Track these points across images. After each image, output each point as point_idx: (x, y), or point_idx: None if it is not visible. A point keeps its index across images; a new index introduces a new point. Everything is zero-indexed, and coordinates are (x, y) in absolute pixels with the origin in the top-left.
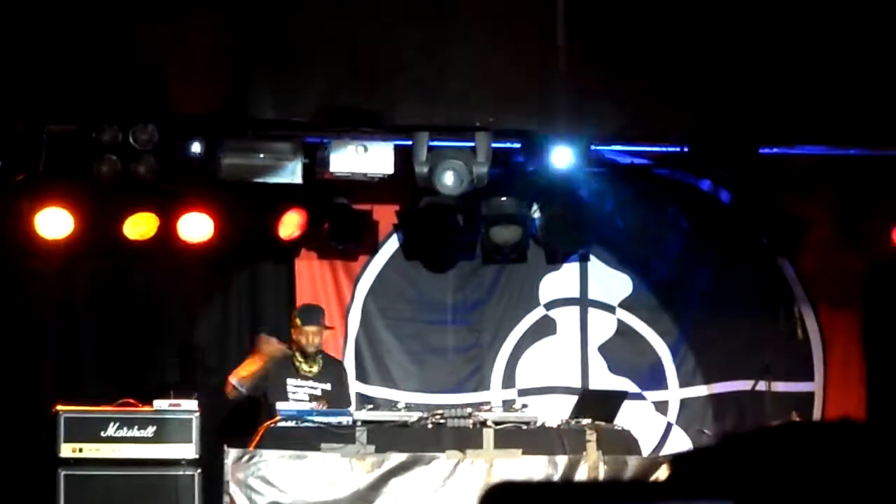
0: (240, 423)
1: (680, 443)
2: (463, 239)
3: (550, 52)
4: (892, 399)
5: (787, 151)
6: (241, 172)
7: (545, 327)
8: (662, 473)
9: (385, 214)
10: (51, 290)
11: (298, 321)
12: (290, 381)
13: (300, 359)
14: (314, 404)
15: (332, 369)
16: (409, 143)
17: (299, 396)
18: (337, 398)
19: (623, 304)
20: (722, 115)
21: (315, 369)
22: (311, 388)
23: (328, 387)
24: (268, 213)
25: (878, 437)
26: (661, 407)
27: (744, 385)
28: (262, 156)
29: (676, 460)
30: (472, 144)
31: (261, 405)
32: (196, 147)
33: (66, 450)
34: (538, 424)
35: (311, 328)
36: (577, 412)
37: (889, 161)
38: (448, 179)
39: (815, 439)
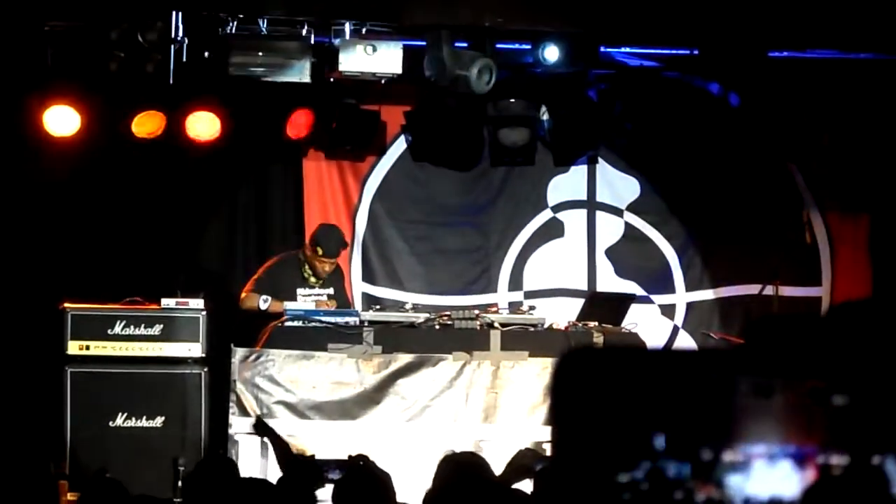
0: (247, 322)
1: (686, 346)
2: (471, 141)
3: None
4: None
5: (798, 55)
6: (249, 71)
7: (552, 230)
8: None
9: (393, 115)
10: (58, 188)
11: (319, 249)
12: (299, 290)
13: (308, 272)
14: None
15: (334, 274)
16: (419, 43)
17: (307, 305)
18: (338, 301)
19: (631, 208)
20: (732, 17)
21: (321, 280)
22: (318, 294)
23: (331, 291)
24: (276, 113)
25: None
26: (668, 310)
27: (751, 289)
28: (270, 54)
29: (750, 329)
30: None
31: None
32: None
33: (73, 347)
34: (545, 327)
35: (328, 259)
36: (585, 315)
37: None
38: (483, 75)
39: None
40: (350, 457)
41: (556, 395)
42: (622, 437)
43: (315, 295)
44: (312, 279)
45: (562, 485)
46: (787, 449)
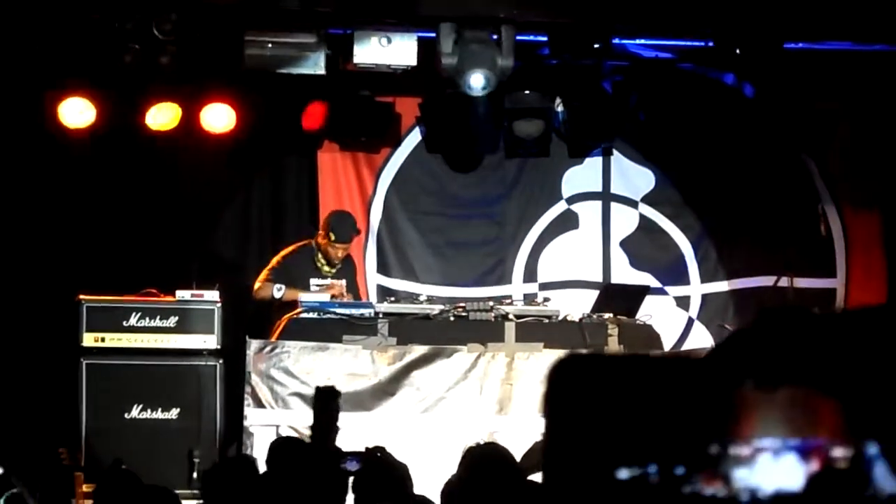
0: (262, 313)
1: (701, 338)
2: (485, 132)
3: None
4: None
5: (813, 47)
6: (264, 63)
7: (567, 221)
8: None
9: (408, 107)
10: (73, 180)
11: (332, 235)
12: (312, 280)
13: (322, 261)
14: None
15: (346, 265)
16: (433, 35)
17: (321, 296)
18: (350, 293)
19: (645, 199)
20: (747, 8)
21: (335, 270)
22: (330, 286)
23: (343, 282)
24: (291, 105)
25: None
26: (683, 302)
27: (766, 281)
28: (285, 46)
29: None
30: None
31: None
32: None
33: (89, 339)
34: (560, 318)
35: (342, 245)
36: (599, 306)
37: None
38: (476, 82)
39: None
40: (367, 448)
41: (551, 399)
42: (624, 434)
43: (327, 285)
44: (326, 268)
45: (556, 482)
46: (791, 442)
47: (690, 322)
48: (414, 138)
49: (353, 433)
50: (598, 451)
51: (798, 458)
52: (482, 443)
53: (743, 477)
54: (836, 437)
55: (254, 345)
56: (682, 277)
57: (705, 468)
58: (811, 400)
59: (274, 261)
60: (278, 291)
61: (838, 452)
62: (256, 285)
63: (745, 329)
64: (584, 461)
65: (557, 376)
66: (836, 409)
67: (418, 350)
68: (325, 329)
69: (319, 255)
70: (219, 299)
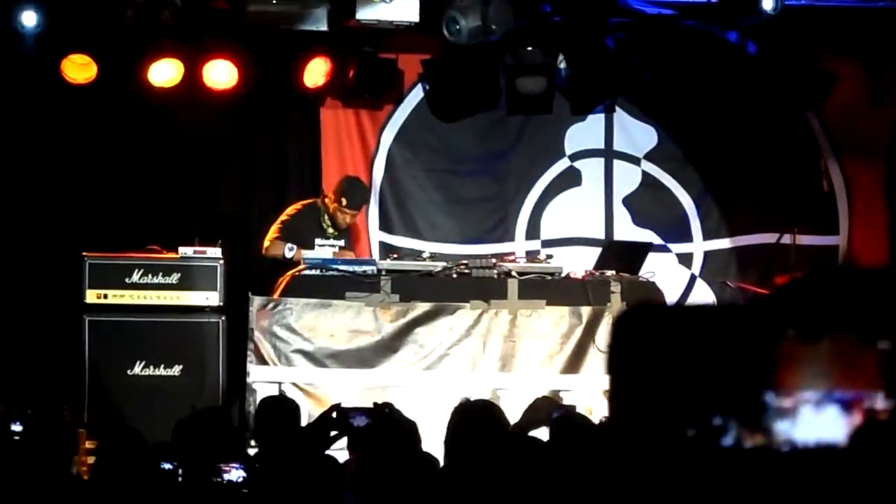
0: (265, 270)
1: (703, 295)
2: (488, 89)
3: None
4: None
5: (816, 3)
6: (266, 19)
7: (570, 178)
8: None
9: (410, 63)
10: (76, 136)
11: (344, 200)
12: (317, 240)
13: (328, 223)
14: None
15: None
16: None
17: (325, 253)
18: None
19: (648, 156)
20: None
21: (338, 233)
22: (331, 246)
23: (342, 242)
24: (293, 61)
25: None
26: (686, 259)
27: (768, 238)
28: (288, 2)
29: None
30: None
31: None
32: None
33: (91, 296)
34: (563, 275)
35: (352, 212)
36: (602, 263)
37: None
38: (455, 30)
39: None
40: (375, 404)
41: (615, 352)
42: (663, 388)
43: (329, 245)
44: (330, 230)
45: (620, 438)
46: (833, 394)
47: (693, 279)
48: (416, 95)
49: (355, 390)
50: (643, 403)
51: (840, 410)
52: (472, 399)
53: (785, 429)
54: (879, 389)
55: (256, 301)
56: (684, 234)
57: (746, 420)
58: (854, 351)
59: (282, 217)
60: (290, 251)
61: (881, 404)
62: (266, 243)
63: (795, 281)
64: (632, 412)
65: (618, 331)
66: (879, 361)
67: (421, 307)
68: (328, 286)
69: (326, 217)
70: (221, 256)
